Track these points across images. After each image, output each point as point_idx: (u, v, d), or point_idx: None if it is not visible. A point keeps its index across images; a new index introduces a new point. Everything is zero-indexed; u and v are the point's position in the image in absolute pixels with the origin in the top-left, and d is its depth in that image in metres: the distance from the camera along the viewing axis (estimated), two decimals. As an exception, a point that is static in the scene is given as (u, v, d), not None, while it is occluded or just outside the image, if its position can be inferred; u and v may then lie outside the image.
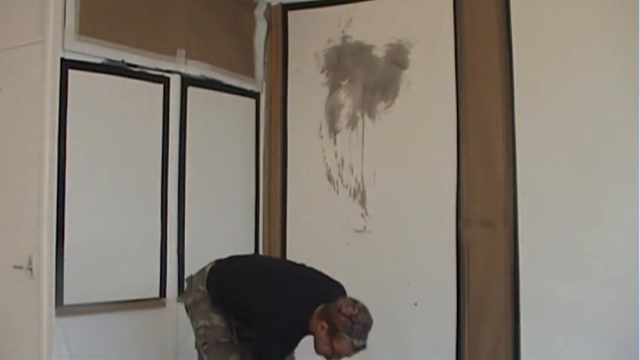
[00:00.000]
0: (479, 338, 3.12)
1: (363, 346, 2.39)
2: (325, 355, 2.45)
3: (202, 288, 2.61)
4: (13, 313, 2.82)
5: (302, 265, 2.72)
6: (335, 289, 2.56)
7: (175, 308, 3.18)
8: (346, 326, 2.33)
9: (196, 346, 2.63)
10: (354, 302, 2.41)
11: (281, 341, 2.42)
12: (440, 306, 3.21)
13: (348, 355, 2.41)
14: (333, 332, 2.36)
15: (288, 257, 3.36)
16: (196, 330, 2.63)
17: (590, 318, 2.87)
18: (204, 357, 2.60)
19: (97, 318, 2.85)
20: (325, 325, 2.37)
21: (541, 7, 3.09)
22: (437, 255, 3.24)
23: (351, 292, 3.42)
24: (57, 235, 2.72)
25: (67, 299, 2.74)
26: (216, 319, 2.58)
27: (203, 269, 2.67)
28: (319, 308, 2.42)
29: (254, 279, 2.59)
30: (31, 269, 2.71)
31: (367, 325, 2.40)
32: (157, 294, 3.12)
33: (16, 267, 2.73)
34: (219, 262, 2.70)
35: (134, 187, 3.05)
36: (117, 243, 2.95)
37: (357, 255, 3.43)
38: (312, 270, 2.68)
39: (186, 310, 2.68)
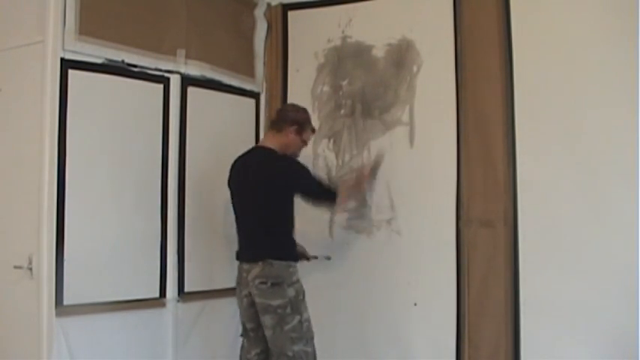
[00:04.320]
0: (479, 338, 3.12)
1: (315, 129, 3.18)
2: (298, 154, 3.06)
3: (297, 277, 2.79)
4: (13, 313, 2.83)
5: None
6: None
7: (175, 308, 3.18)
8: (307, 119, 3.05)
9: (293, 339, 2.70)
10: (290, 105, 3.19)
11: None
12: (440, 306, 3.21)
13: (309, 140, 3.13)
14: (301, 130, 2.99)
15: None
16: (300, 324, 2.73)
17: (590, 318, 2.87)
18: (307, 349, 2.73)
19: (97, 318, 2.85)
20: (293, 129, 2.96)
21: (541, 7, 3.09)
22: (437, 255, 3.24)
23: (351, 292, 3.44)
24: (57, 235, 2.72)
25: (67, 299, 2.74)
26: (308, 309, 2.81)
27: (262, 265, 2.77)
28: (275, 131, 3.00)
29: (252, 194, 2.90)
30: (31, 269, 2.71)
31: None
32: (157, 294, 3.12)
33: (16, 267, 2.74)
34: (241, 254, 2.94)
35: (134, 187, 3.05)
36: (117, 243, 2.95)
37: (357, 255, 3.43)
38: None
39: (282, 309, 2.72)
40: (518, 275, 3.04)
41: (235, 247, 3.02)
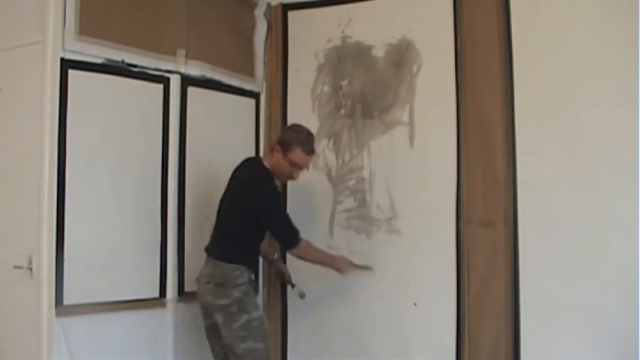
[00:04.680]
0: (479, 338, 3.12)
1: (313, 151, 2.98)
2: (290, 176, 2.98)
3: (245, 279, 2.81)
4: (13, 313, 2.83)
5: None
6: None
7: (175, 308, 3.18)
8: (295, 138, 2.88)
9: (241, 337, 2.74)
10: (289, 125, 3.09)
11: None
12: (440, 306, 3.21)
13: (306, 163, 2.96)
14: (286, 149, 2.87)
15: (288, 257, 3.36)
16: (248, 323, 2.77)
17: (590, 318, 2.87)
18: (257, 346, 2.77)
19: (97, 318, 2.85)
20: (279, 148, 2.88)
21: (541, 7, 3.09)
22: (437, 255, 3.24)
23: (351, 292, 3.43)
24: (57, 235, 2.72)
25: (67, 299, 2.74)
26: (260, 309, 2.87)
27: (213, 264, 2.86)
28: (269, 149, 2.99)
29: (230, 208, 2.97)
30: (31, 269, 2.71)
31: (309, 131, 2.97)
32: (157, 294, 3.12)
33: (16, 267, 2.74)
34: (209, 248, 2.99)
35: (134, 187, 3.05)
36: (117, 243, 2.95)
37: (357, 255, 3.42)
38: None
39: (227, 308, 2.77)
40: (518, 275, 3.04)
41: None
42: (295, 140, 2.91)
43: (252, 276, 2.96)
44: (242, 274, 2.88)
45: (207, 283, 2.88)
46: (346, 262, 3.15)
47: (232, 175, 3.06)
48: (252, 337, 2.81)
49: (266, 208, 2.86)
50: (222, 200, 3.03)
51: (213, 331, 2.96)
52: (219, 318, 2.85)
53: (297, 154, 2.91)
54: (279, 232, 2.94)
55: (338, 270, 3.10)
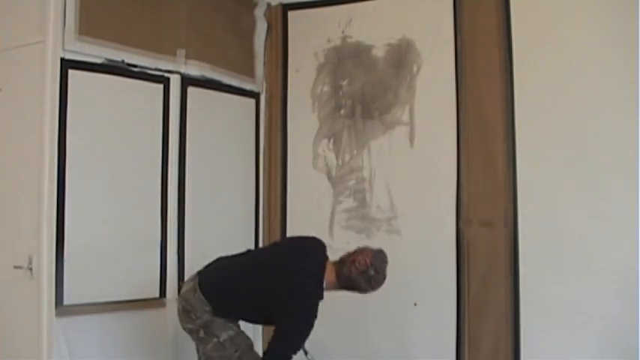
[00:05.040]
0: (479, 338, 3.12)
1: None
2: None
3: (208, 308, 2.56)
4: (13, 313, 2.83)
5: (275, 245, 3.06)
6: (317, 242, 2.75)
7: (175, 308, 3.18)
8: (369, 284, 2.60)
9: (219, 358, 2.57)
10: (367, 267, 2.61)
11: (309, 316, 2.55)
12: (440, 306, 3.21)
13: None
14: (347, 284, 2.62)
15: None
16: (220, 344, 2.58)
17: (590, 318, 2.87)
18: None
19: (97, 318, 2.85)
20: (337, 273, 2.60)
21: (541, 7, 3.09)
22: (437, 255, 3.24)
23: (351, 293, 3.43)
24: (57, 235, 2.72)
25: (67, 299, 2.75)
26: (235, 328, 2.60)
27: (192, 287, 2.59)
28: (330, 269, 2.63)
29: (258, 271, 2.65)
30: (31, 269, 2.71)
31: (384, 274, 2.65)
32: (157, 294, 3.12)
33: (16, 267, 2.74)
34: (201, 273, 2.66)
35: (134, 187, 3.05)
36: (117, 243, 2.96)
37: (357, 255, 3.43)
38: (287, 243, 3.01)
39: (196, 333, 2.60)
40: (518, 275, 3.04)
41: (232, 246, 2.98)
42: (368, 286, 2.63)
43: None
44: (209, 310, 2.59)
45: (180, 302, 2.65)
46: None
47: (286, 244, 2.95)
48: (229, 357, 2.60)
49: (294, 309, 2.54)
50: (255, 256, 2.82)
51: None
52: (191, 338, 2.66)
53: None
54: (284, 331, 2.53)
55: None
